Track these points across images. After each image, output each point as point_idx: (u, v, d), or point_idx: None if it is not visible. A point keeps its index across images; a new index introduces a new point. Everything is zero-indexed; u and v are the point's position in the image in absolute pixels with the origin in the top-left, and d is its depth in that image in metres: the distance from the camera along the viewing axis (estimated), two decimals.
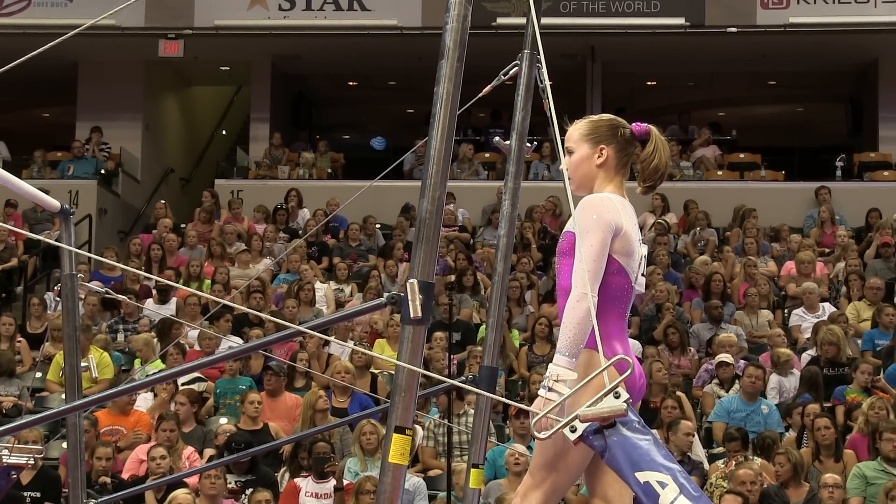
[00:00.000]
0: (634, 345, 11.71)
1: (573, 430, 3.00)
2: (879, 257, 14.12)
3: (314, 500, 8.88)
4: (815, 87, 20.28)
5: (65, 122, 19.62)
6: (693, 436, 9.47)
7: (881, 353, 11.44)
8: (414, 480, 9.11)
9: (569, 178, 4.06)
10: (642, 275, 4.07)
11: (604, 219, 3.85)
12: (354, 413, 9.91)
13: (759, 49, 17.70)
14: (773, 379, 10.94)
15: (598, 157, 4.02)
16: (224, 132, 21.90)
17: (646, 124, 4.11)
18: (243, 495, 9.05)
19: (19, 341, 12.15)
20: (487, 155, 17.90)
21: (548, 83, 4.12)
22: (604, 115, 4.18)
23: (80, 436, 6.10)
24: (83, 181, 17.12)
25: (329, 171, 18.17)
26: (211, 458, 9.50)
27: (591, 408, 2.94)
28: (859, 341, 11.95)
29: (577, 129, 4.08)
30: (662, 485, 2.95)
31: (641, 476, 2.97)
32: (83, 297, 11.91)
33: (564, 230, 3.99)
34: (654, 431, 3.26)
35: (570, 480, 3.99)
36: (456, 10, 3.16)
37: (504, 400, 3.79)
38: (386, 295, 3.24)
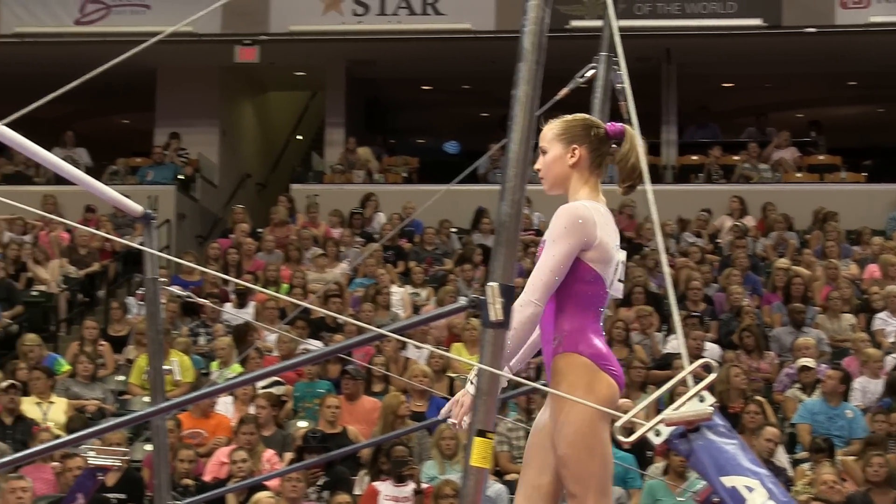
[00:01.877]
0: (713, 349, 11.65)
1: (657, 434, 2.98)
2: None
3: (393, 503, 8.93)
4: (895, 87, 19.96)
5: (143, 128, 19.88)
6: (776, 442, 9.37)
7: None
8: (496, 487, 9.11)
9: (542, 178, 4.04)
10: (619, 280, 4.03)
11: (574, 231, 3.80)
12: (432, 416, 9.93)
13: (837, 49, 17.47)
14: (859, 381, 10.81)
15: (571, 157, 3.98)
16: (299, 137, 22.08)
17: (620, 124, 4.07)
18: (320, 497, 9.13)
19: (102, 345, 12.33)
20: None
21: (627, 85, 4.11)
22: (578, 114, 4.13)
23: (164, 438, 6.19)
24: (162, 187, 17.34)
25: (404, 175, 18.24)
26: (292, 462, 9.59)
27: (675, 411, 2.92)
28: None
29: (551, 128, 4.04)
30: (750, 489, 2.90)
31: (728, 481, 2.93)
32: (164, 301, 12.06)
33: (543, 238, 3.96)
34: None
35: (609, 468, 3.91)
36: (534, 13, 3.17)
37: (587, 403, 3.75)
38: (467, 298, 3.24)
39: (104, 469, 7.68)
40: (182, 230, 17.61)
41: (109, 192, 5.50)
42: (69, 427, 10.37)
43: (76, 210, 15.87)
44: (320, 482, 9.29)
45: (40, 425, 10.42)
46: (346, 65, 19.03)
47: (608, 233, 3.90)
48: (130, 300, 13.79)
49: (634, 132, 4.00)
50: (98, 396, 11.36)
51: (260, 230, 16.07)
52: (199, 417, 10.45)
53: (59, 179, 14.96)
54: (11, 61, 17.78)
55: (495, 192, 3.33)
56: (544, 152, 4.02)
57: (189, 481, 9.35)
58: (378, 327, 4.06)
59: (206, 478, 9.54)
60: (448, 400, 4.00)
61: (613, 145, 4.01)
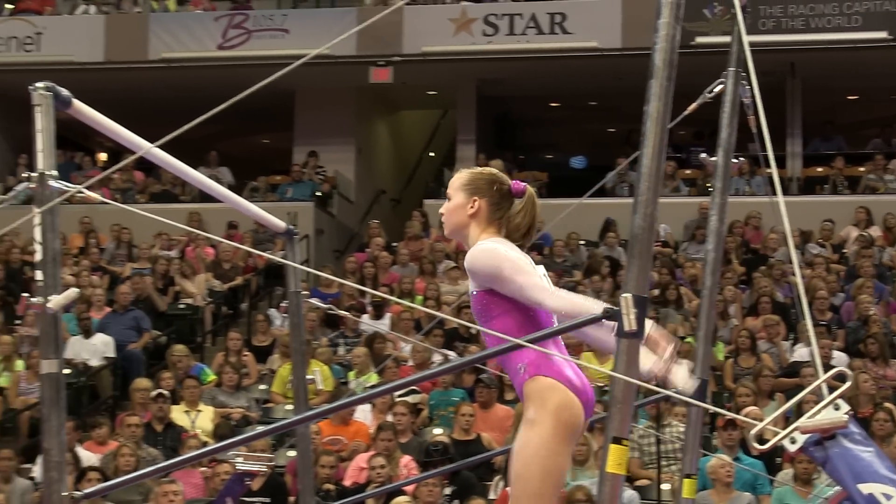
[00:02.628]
0: (841, 357, 11.64)
1: (793, 442, 2.98)
2: None
3: None
4: None
5: (283, 147, 20.37)
6: None
7: None
8: (628, 493, 9.24)
9: (443, 223, 4.24)
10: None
11: (494, 253, 3.94)
12: None
13: None
14: None
15: (471, 207, 4.14)
16: (432, 154, 22.38)
17: (524, 184, 4.22)
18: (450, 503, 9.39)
19: (245, 355, 12.76)
20: (689, 172, 17.87)
21: (758, 99, 4.17)
22: (486, 168, 4.33)
23: (308, 445, 6.44)
24: (301, 203, 17.75)
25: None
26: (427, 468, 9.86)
27: (811, 419, 2.93)
28: None
29: (459, 178, 4.23)
30: (888, 497, 2.88)
31: (864, 488, 2.91)
32: (305, 312, 12.45)
33: (471, 293, 4.04)
34: None
35: (558, 490, 3.99)
36: (665, 31, 3.22)
37: (718, 410, 3.90)
38: (602, 309, 3.31)
39: (251, 474, 7.96)
40: (320, 245, 18.03)
41: (254, 208, 5.77)
42: (216, 434, 10.79)
43: (219, 226, 16.39)
44: (448, 491, 9.51)
45: (189, 432, 10.86)
46: (477, 83, 19.26)
47: (514, 247, 4.05)
48: (273, 312, 14.22)
49: (534, 195, 4.20)
50: (242, 405, 11.77)
51: (395, 244, 16.39)
52: (338, 425, 10.79)
53: (204, 197, 15.55)
54: (158, 85, 18.48)
55: (620, 205, 3.47)
56: (449, 199, 4.23)
57: (330, 486, 9.68)
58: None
59: (346, 483, 9.87)
60: None
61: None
